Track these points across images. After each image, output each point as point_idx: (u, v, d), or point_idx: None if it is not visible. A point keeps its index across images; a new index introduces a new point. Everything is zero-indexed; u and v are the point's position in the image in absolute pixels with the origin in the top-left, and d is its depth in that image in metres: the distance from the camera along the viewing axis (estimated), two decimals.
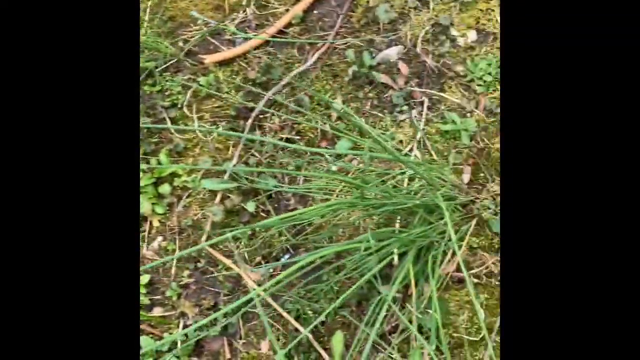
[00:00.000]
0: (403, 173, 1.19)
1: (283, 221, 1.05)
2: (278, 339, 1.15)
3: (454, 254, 1.11)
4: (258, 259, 1.24)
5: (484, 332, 0.86)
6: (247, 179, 1.27)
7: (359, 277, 1.15)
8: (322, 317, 0.90)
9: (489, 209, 1.13)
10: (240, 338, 1.18)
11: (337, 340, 1.07)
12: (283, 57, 1.43)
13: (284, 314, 1.14)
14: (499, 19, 1.34)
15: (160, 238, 1.31)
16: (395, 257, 1.11)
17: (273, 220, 0.99)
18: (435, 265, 1.07)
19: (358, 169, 1.23)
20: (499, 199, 1.13)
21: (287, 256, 1.25)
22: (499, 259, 1.10)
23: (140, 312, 1.22)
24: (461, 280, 1.10)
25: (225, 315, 1.18)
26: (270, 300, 1.17)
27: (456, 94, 1.29)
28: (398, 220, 1.15)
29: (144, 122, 1.34)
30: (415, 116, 1.29)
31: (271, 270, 1.24)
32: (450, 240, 1.10)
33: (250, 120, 1.35)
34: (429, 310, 1.04)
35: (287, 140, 1.34)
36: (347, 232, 1.22)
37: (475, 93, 1.28)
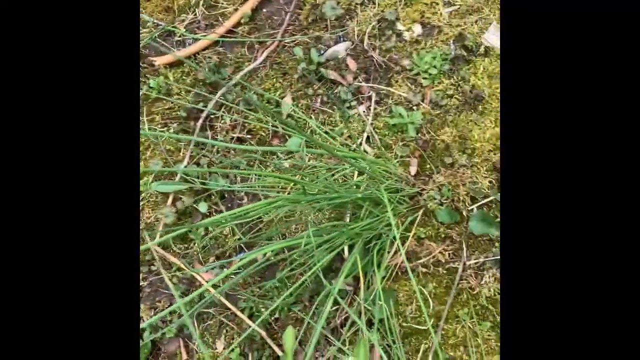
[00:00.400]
0: (352, 168, 1.20)
1: (230, 218, 1.06)
2: (233, 338, 1.16)
3: (402, 244, 1.13)
4: (212, 259, 1.24)
5: (428, 323, 0.88)
6: (198, 179, 1.27)
7: (309, 272, 1.16)
8: (268, 312, 0.91)
9: (435, 199, 1.15)
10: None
11: (289, 335, 1.08)
12: (233, 56, 1.43)
13: (237, 312, 1.15)
14: (443, 12, 1.36)
15: None
16: (346, 250, 1.13)
17: (218, 217, 0.99)
18: (382, 257, 1.09)
19: (309, 165, 1.24)
20: (444, 189, 1.15)
21: (240, 255, 1.25)
22: (445, 248, 1.12)
23: None
24: (411, 270, 1.12)
25: (180, 315, 1.18)
26: (222, 299, 1.17)
27: (403, 87, 1.30)
28: (348, 214, 1.16)
29: None
30: (364, 111, 1.31)
31: (225, 270, 1.24)
32: (397, 232, 1.11)
33: (200, 121, 1.35)
34: (379, 302, 1.06)
35: (239, 139, 1.34)
36: (299, 228, 1.23)
37: (422, 86, 1.30)
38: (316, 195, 1.00)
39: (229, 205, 1.29)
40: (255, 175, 1.21)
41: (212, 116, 1.37)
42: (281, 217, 1.20)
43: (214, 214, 1.28)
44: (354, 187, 1.09)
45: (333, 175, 1.18)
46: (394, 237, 1.08)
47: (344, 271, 1.01)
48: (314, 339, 0.90)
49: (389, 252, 1.11)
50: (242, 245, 1.24)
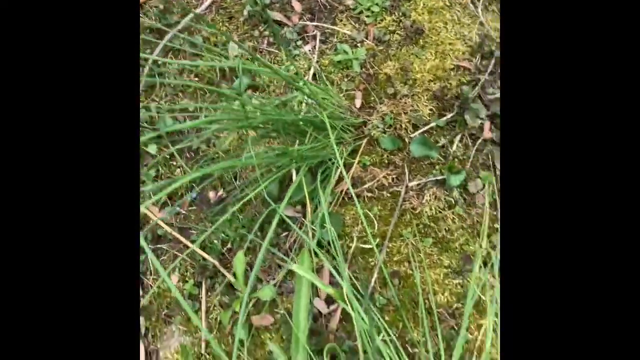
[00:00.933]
0: (300, 102, 1.23)
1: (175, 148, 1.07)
2: (187, 270, 1.18)
3: (347, 171, 1.17)
4: (164, 199, 1.26)
5: (373, 243, 0.92)
6: (147, 122, 1.28)
7: (259, 202, 1.19)
8: (210, 231, 0.93)
9: (378, 127, 1.19)
10: (151, 274, 1.20)
11: (239, 260, 1.11)
12: (177, 3, 1.43)
13: (189, 244, 1.17)
14: None
15: None
16: (294, 175, 1.16)
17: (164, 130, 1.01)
18: (327, 183, 1.12)
19: (258, 103, 1.26)
20: (387, 118, 1.19)
21: (193, 194, 1.27)
22: (389, 172, 1.16)
23: None
24: (357, 195, 1.16)
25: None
26: (176, 234, 1.19)
27: (347, 26, 1.33)
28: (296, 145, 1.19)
29: None
30: (310, 50, 1.33)
31: (178, 208, 1.26)
32: (341, 157, 1.15)
33: (147, 67, 1.35)
34: (325, 225, 1.09)
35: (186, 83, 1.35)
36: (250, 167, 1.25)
37: (365, 24, 1.33)
38: (258, 118, 1.02)
39: (179, 147, 1.30)
40: (204, 108, 1.23)
41: (159, 62, 1.37)
42: (230, 151, 1.22)
43: (164, 155, 1.29)
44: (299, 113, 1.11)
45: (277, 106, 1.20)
46: (339, 163, 1.12)
47: (290, 193, 1.04)
48: (260, 254, 0.93)
49: (334, 179, 1.14)
50: (193, 184, 1.26)
